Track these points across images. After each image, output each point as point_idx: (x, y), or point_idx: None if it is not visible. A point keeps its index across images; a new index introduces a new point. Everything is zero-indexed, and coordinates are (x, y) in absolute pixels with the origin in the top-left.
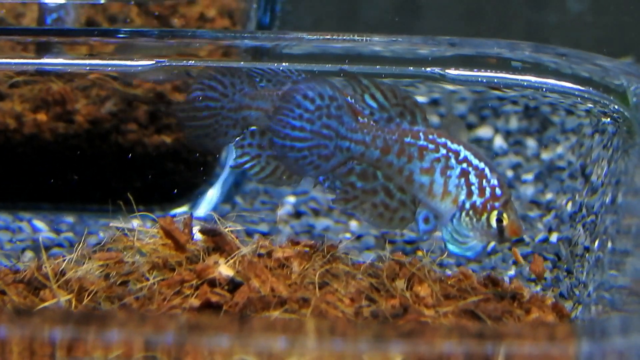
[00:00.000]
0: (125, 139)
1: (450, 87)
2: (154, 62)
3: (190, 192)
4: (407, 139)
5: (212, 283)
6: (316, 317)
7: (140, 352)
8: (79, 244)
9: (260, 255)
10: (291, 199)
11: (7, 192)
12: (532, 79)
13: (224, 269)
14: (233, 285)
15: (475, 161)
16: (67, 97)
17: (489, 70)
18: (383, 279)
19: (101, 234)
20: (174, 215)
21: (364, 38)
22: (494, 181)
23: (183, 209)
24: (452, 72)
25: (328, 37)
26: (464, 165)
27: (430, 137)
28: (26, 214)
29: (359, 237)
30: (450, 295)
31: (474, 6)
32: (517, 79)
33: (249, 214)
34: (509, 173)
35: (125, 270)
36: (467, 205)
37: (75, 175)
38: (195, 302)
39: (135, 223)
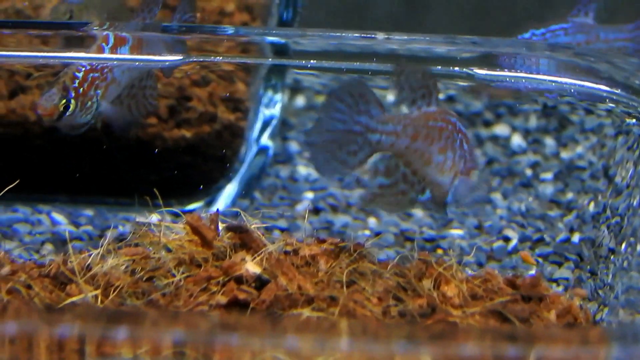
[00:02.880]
0: (145, 132)
1: (464, 83)
2: (181, 57)
3: (209, 187)
4: (431, 122)
5: (239, 280)
6: (344, 316)
7: (169, 349)
8: (105, 238)
9: (286, 253)
10: (309, 195)
11: (25, 185)
12: (559, 79)
13: (251, 266)
14: (260, 283)
15: (463, 128)
16: None
17: (516, 70)
18: (410, 278)
19: (121, 228)
20: (190, 211)
21: (384, 36)
22: (469, 143)
23: (200, 203)
24: (480, 71)
25: (345, 34)
26: (460, 135)
27: (444, 115)
28: (45, 206)
29: (377, 234)
30: (477, 295)
31: (483, 3)
32: (544, 79)
33: (267, 209)
34: (528, 172)
35: (152, 266)
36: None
37: (93, 168)
38: (222, 299)
39: (155, 218)
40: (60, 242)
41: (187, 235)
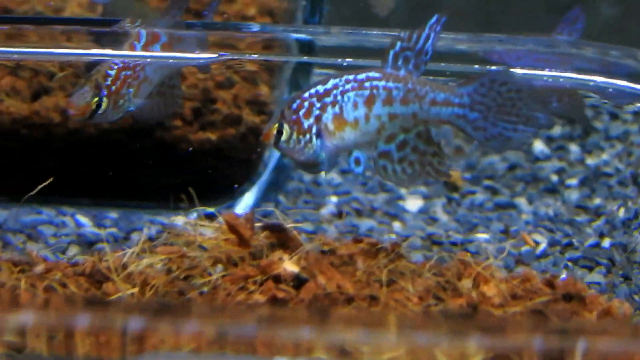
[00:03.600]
0: (170, 134)
1: None
2: (216, 55)
3: (232, 190)
4: None
5: (277, 279)
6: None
7: (214, 343)
8: (141, 238)
9: (323, 252)
10: (334, 199)
11: (50, 187)
12: (598, 78)
13: (289, 265)
14: (298, 282)
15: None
16: None
17: (554, 70)
18: (449, 277)
19: (146, 230)
20: (212, 214)
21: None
22: None
23: (223, 206)
24: (517, 70)
25: (369, 32)
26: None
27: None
28: (69, 208)
29: (405, 238)
30: (517, 295)
31: (494, 7)
32: (583, 79)
33: (292, 212)
34: (554, 177)
35: (188, 265)
36: None
37: (117, 170)
38: (260, 298)
39: (182, 219)
40: (85, 244)
41: (223, 234)
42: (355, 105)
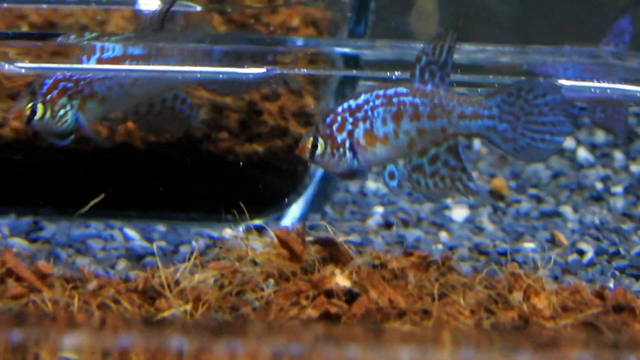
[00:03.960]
0: (217, 147)
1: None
2: (265, 70)
3: (279, 201)
4: None
5: (329, 294)
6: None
7: None
8: (191, 253)
9: (374, 266)
10: (380, 210)
11: (100, 200)
12: None
13: (341, 280)
14: (350, 296)
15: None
16: None
17: (601, 81)
18: (499, 290)
19: (194, 243)
20: (261, 226)
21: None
22: None
23: (271, 217)
24: (565, 82)
25: (413, 44)
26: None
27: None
28: (117, 222)
29: (451, 249)
30: (568, 307)
31: (524, 12)
32: (629, 90)
33: (339, 223)
34: (599, 185)
35: (240, 280)
36: None
37: (165, 183)
38: (313, 312)
39: (229, 232)
40: (134, 258)
41: (274, 248)
42: (384, 121)
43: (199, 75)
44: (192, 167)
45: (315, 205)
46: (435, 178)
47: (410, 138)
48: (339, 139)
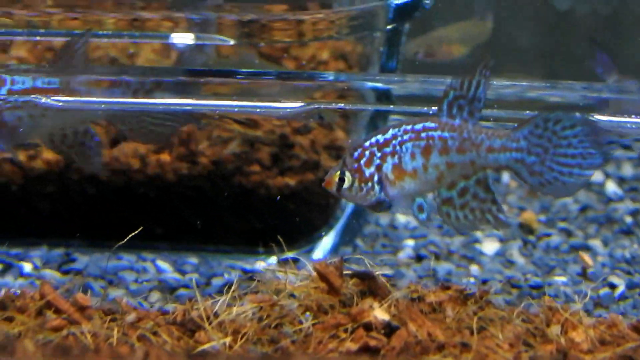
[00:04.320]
0: (248, 180)
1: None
2: (302, 104)
3: (310, 234)
4: None
5: (368, 327)
6: None
7: None
8: (229, 286)
9: (412, 300)
10: (410, 243)
11: (129, 232)
12: None
13: (380, 313)
14: (389, 329)
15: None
16: (193, 137)
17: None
18: (537, 324)
19: (227, 276)
20: (295, 258)
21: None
22: None
23: (302, 250)
24: (601, 117)
25: (445, 79)
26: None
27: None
28: (149, 254)
29: (484, 282)
30: (605, 341)
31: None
32: None
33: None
34: (628, 219)
35: (279, 313)
36: None
37: (196, 215)
38: (352, 345)
39: (261, 264)
40: (167, 290)
41: (313, 281)
42: (413, 156)
43: (236, 110)
44: (224, 199)
45: (346, 238)
46: (465, 210)
47: (440, 172)
48: (367, 173)
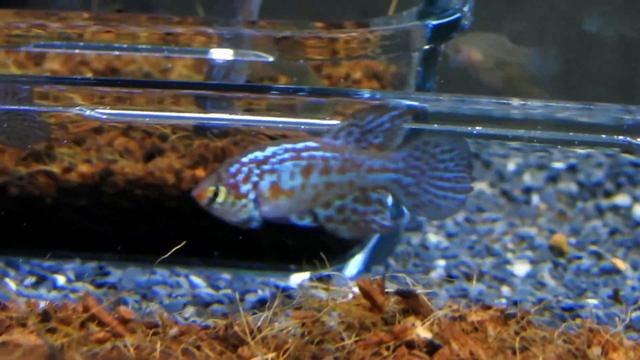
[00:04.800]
0: None
1: (583, 151)
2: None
3: (342, 252)
4: None
5: (411, 345)
6: None
7: None
8: (271, 301)
9: (453, 319)
10: (442, 263)
11: (163, 247)
12: None
13: (422, 331)
14: (432, 348)
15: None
16: (228, 152)
17: None
18: (578, 345)
19: (260, 292)
20: (328, 275)
21: (519, 102)
22: None
23: (334, 268)
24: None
25: (479, 99)
26: None
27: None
28: (182, 269)
29: (515, 303)
30: None
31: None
32: None
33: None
34: None
35: (321, 329)
36: None
37: (230, 232)
38: None
39: (294, 281)
40: (201, 305)
41: (355, 299)
42: (292, 175)
43: (280, 126)
44: None
45: (378, 257)
46: (348, 224)
47: (317, 192)
48: (242, 189)
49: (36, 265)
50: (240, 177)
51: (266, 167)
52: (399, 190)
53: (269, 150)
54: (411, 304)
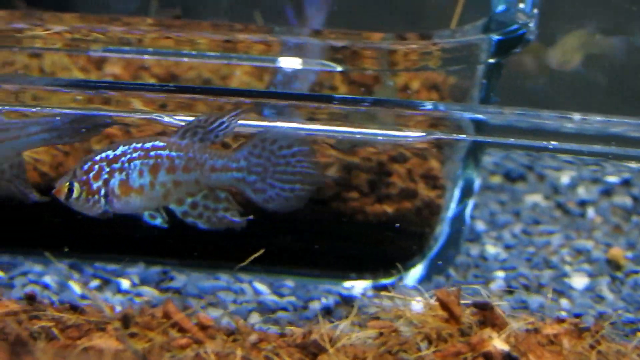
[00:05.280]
0: (347, 206)
1: (637, 165)
2: (423, 133)
3: (403, 262)
4: None
5: (488, 356)
6: None
7: None
8: (351, 311)
9: (528, 331)
10: (501, 274)
11: (225, 253)
12: None
13: (499, 343)
14: None
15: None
16: None
17: None
18: None
19: (324, 300)
20: (385, 285)
21: (580, 117)
22: None
23: (395, 278)
24: None
25: (541, 113)
26: None
27: None
28: (245, 275)
29: (576, 316)
30: None
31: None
32: None
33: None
34: None
35: (398, 339)
36: None
37: (293, 239)
38: None
39: (357, 290)
40: (267, 312)
41: (431, 310)
42: (140, 173)
43: (358, 137)
44: (321, 224)
45: (438, 268)
46: (203, 219)
47: (166, 189)
48: (94, 186)
49: (100, 268)
50: (92, 174)
51: (116, 165)
52: (246, 187)
53: (120, 149)
54: (487, 316)
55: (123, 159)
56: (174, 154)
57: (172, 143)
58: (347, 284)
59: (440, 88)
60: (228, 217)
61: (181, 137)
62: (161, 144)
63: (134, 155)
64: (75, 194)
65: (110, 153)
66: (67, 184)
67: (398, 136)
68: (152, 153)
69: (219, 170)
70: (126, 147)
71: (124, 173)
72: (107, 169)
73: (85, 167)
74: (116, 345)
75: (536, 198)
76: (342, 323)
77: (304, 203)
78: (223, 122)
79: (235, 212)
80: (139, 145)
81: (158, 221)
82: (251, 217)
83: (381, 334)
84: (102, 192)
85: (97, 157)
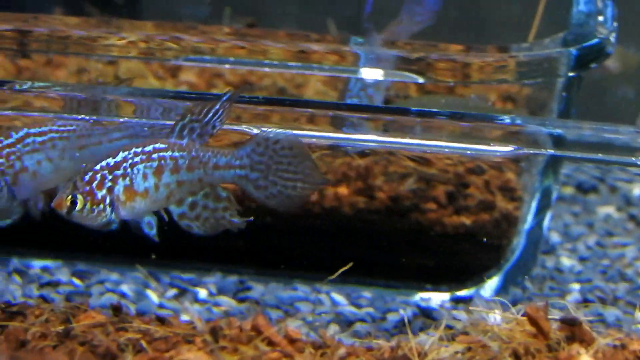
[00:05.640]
0: (425, 217)
1: None
2: (512, 148)
3: (479, 274)
4: None
5: None
6: None
7: None
8: (436, 324)
9: (615, 347)
10: (576, 287)
11: (302, 263)
12: None
13: (588, 359)
14: None
15: None
16: (371, 172)
17: None
18: None
19: (402, 312)
20: (465, 297)
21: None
22: None
23: (471, 290)
24: None
25: (619, 128)
26: None
27: None
28: (323, 286)
29: None
30: None
31: None
32: None
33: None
34: None
35: (487, 354)
36: None
37: (371, 250)
38: None
39: (434, 302)
40: (345, 323)
41: (519, 325)
42: (144, 177)
43: (446, 150)
44: (398, 235)
45: (514, 280)
46: (200, 221)
47: (170, 190)
48: (98, 196)
49: (176, 277)
50: (95, 183)
51: (118, 171)
52: (247, 185)
53: (120, 155)
54: (575, 332)
55: (125, 164)
56: (176, 154)
57: (173, 144)
58: (424, 295)
59: (515, 99)
60: (227, 218)
61: (179, 136)
62: (162, 145)
63: (136, 159)
64: (79, 206)
65: (111, 161)
66: (70, 196)
67: (485, 151)
68: (154, 155)
69: (222, 168)
70: (126, 152)
71: (127, 178)
72: (110, 177)
73: (87, 177)
74: (206, 359)
75: (609, 210)
76: (430, 338)
77: (304, 203)
78: (217, 110)
79: (234, 213)
80: (139, 149)
81: (154, 231)
82: (251, 218)
83: (469, 348)
84: (107, 200)
85: (97, 167)
